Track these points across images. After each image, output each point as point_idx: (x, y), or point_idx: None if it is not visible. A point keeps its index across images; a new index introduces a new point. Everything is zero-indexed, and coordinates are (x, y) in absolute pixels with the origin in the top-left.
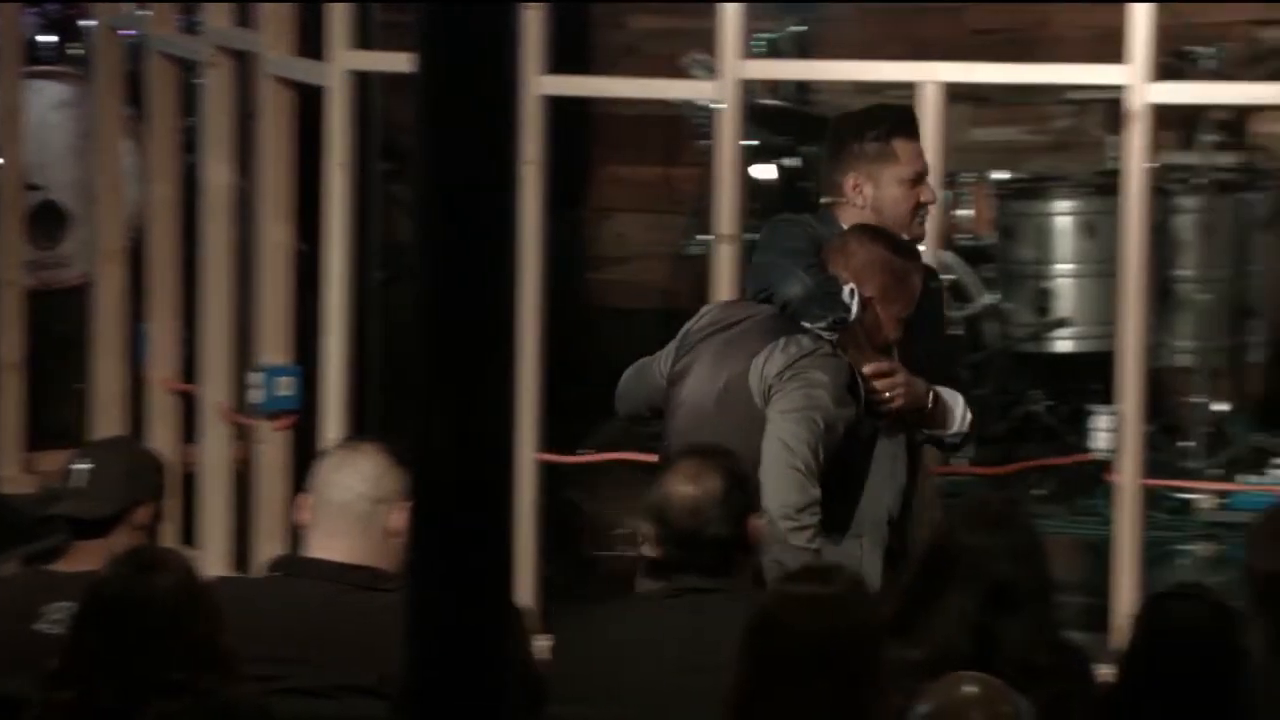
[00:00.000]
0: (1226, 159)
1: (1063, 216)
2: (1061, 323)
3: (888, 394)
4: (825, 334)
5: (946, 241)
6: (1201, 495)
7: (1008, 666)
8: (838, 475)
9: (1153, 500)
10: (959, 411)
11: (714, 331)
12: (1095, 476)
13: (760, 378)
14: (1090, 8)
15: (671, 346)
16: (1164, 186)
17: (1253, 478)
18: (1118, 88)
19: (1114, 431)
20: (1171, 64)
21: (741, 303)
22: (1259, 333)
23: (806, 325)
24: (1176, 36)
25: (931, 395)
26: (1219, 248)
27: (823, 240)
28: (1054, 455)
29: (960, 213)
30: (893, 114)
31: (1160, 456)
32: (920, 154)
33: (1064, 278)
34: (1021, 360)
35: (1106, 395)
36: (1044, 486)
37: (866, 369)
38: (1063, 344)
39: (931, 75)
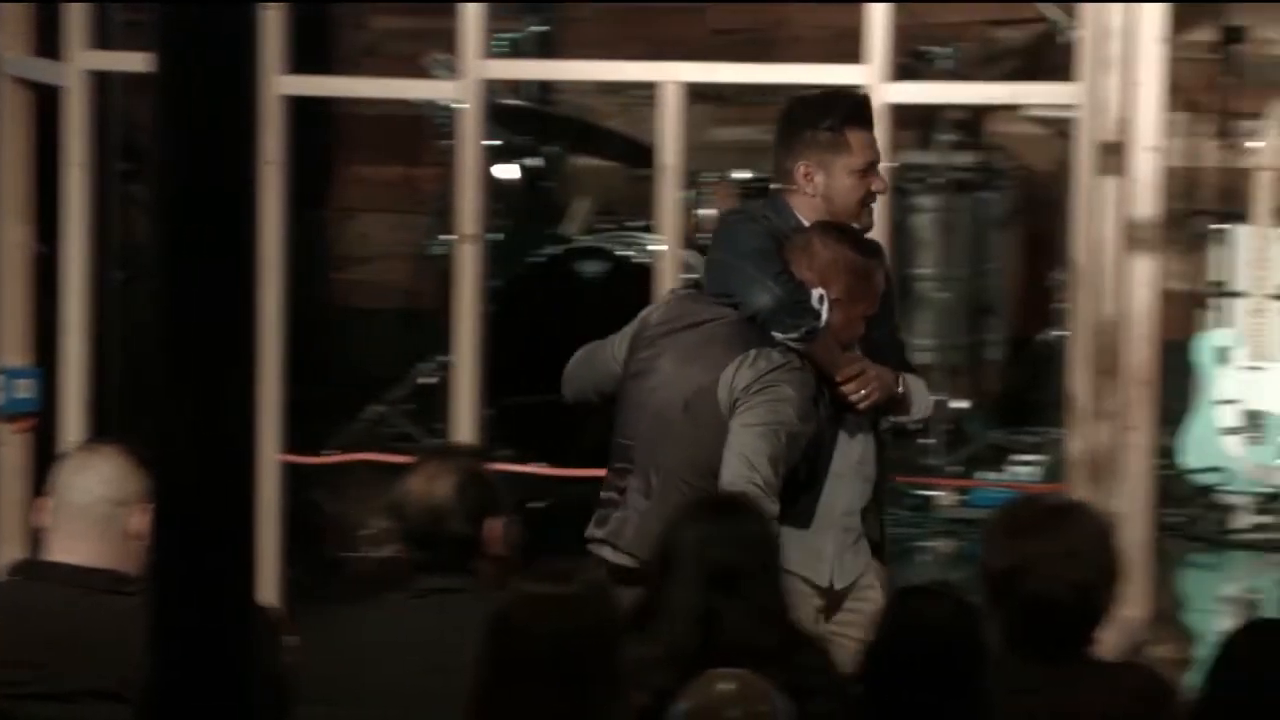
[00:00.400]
0: (964, 158)
1: None
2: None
3: (859, 395)
4: (796, 344)
5: (688, 240)
6: (941, 492)
7: (731, 650)
8: (803, 467)
9: (894, 497)
10: (921, 397)
11: (677, 329)
12: None
13: (729, 390)
14: (828, 8)
15: (626, 334)
16: (902, 186)
17: (991, 474)
18: (857, 87)
19: None
20: (909, 64)
21: (702, 299)
22: (997, 331)
23: (777, 336)
24: (913, 37)
25: (901, 381)
26: (957, 247)
27: (779, 231)
28: None
29: (702, 212)
30: (847, 103)
31: (901, 454)
32: (873, 143)
33: None
34: None
35: None
36: None
37: (839, 376)
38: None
39: (672, 75)
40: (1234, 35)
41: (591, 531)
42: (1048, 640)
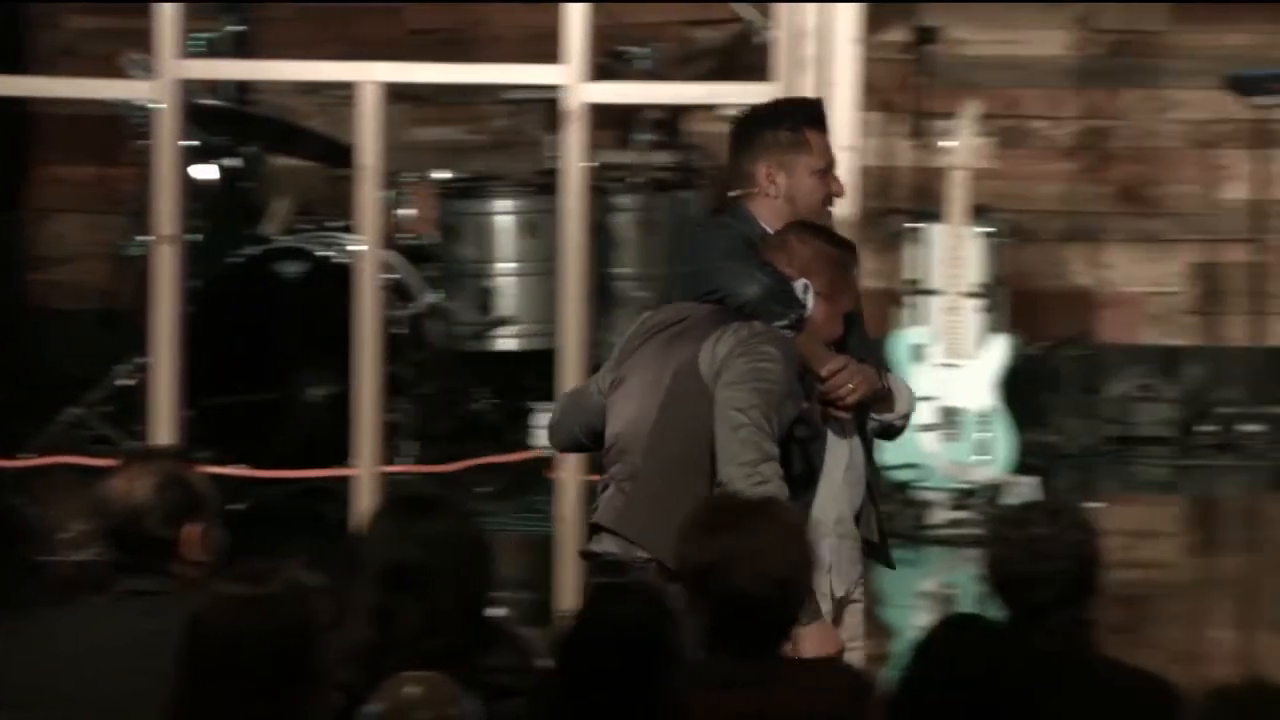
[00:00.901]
0: (662, 158)
1: (503, 216)
2: (504, 321)
3: (847, 389)
4: (785, 331)
5: (389, 241)
6: None
7: (405, 650)
8: (799, 460)
9: (594, 495)
10: (905, 393)
11: (652, 334)
12: (538, 473)
13: (711, 358)
14: (527, 8)
15: (608, 364)
16: (602, 185)
17: None
18: (555, 88)
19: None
20: (607, 64)
21: (679, 305)
22: None
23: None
24: (611, 37)
25: (884, 377)
26: (656, 245)
27: (746, 237)
28: (498, 453)
29: (402, 212)
30: (804, 105)
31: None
32: (830, 146)
33: (506, 276)
34: (465, 359)
35: (549, 392)
36: (489, 484)
37: (823, 370)
38: (505, 342)
39: (370, 75)
40: (926, 36)
41: (588, 546)
42: (747, 637)
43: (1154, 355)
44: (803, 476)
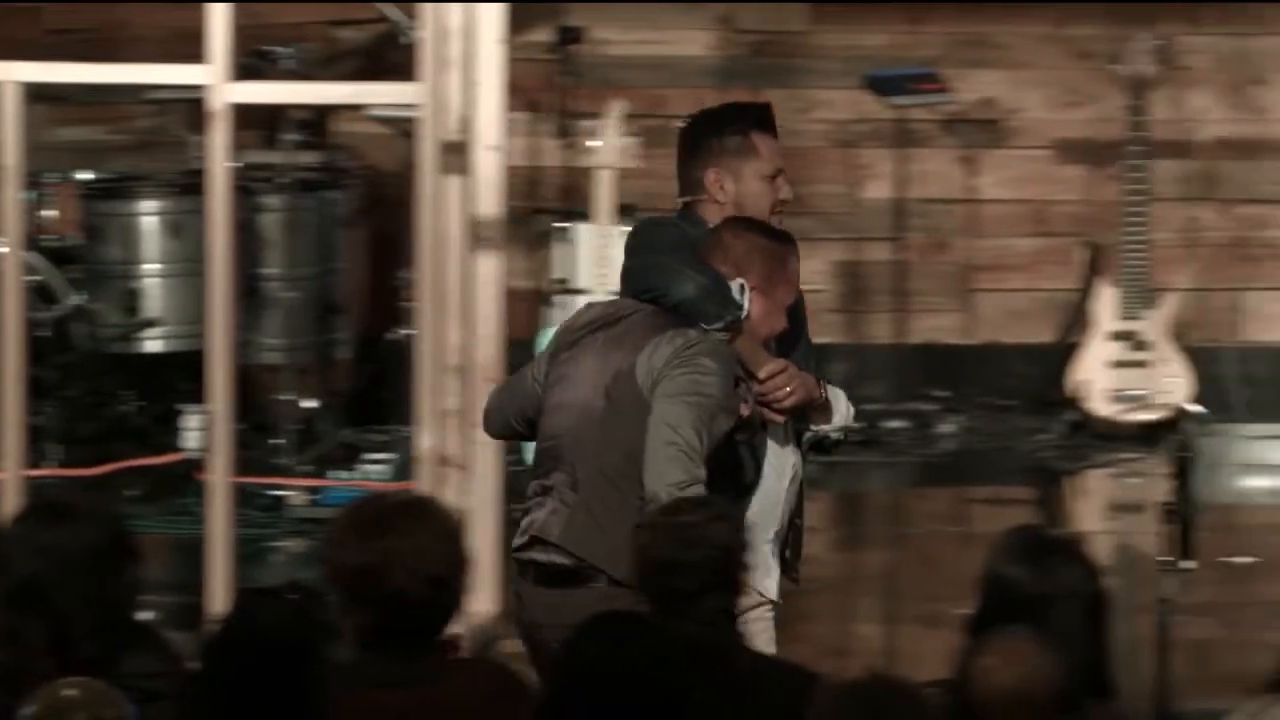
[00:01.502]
0: (308, 158)
1: (148, 216)
2: (150, 323)
3: (783, 391)
4: (720, 334)
5: (31, 242)
6: (293, 492)
7: (35, 660)
8: (749, 463)
9: (245, 498)
10: (842, 405)
11: (593, 330)
12: (187, 476)
13: (648, 370)
14: (169, 9)
15: (545, 353)
16: (248, 185)
17: (343, 473)
18: (198, 87)
19: (204, 430)
20: (251, 64)
21: (619, 301)
22: (345, 330)
23: (704, 326)
24: (255, 37)
25: (823, 388)
26: (304, 246)
27: (693, 240)
28: (146, 456)
29: (44, 213)
30: (751, 110)
31: (252, 454)
32: (778, 151)
33: (152, 278)
34: (111, 361)
35: (197, 394)
36: (137, 487)
37: (761, 372)
38: (152, 344)
39: (8, 75)
40: (570, 36)
41: (516, 540)
42: (402, 636)
43: None
44: (757, 475)
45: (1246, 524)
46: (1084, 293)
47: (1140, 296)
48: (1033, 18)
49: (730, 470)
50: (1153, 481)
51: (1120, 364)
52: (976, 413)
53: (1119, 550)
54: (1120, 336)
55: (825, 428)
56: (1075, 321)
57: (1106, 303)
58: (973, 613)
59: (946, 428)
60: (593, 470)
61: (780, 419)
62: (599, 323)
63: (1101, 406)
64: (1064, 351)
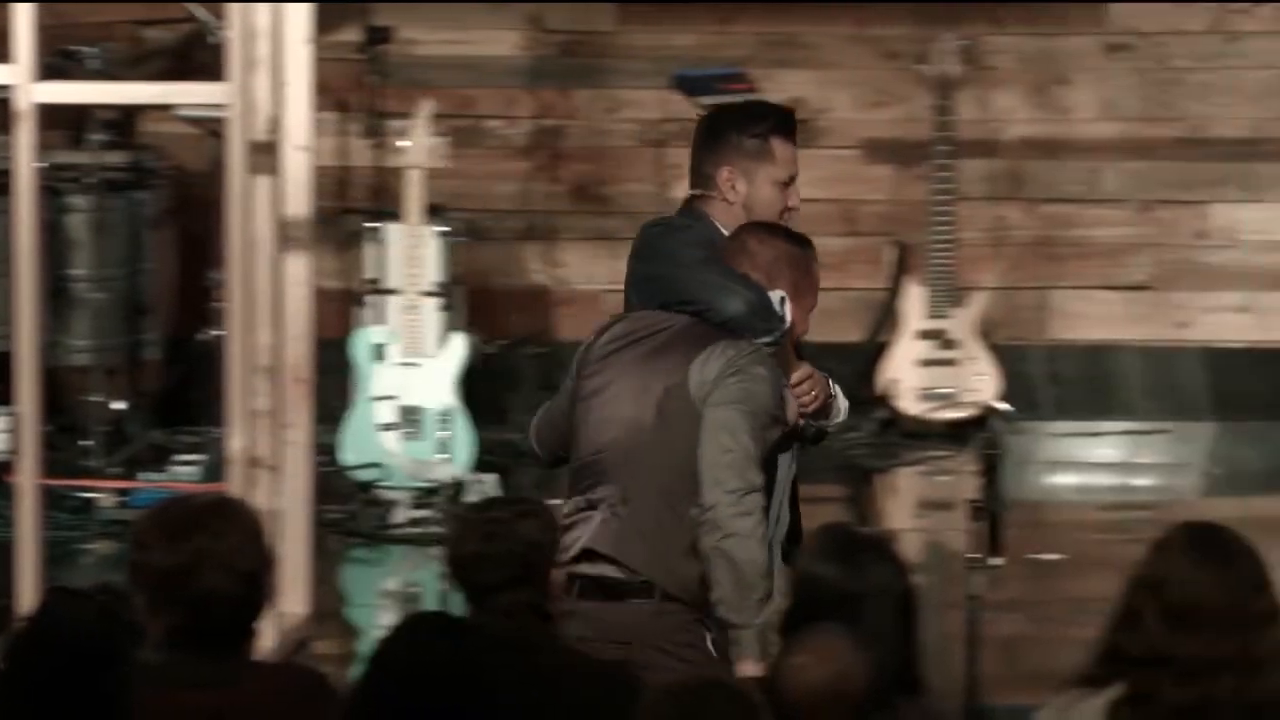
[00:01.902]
0: (116, 158)
1: None
2: None
3: (810, 396)
4: (771, 348)
5: None
6: (102, 493)
7: None
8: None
9: (54, 500)
10: (842, 402)
11: (625, 345)
12: None
13: (699, 382)
14: None
15: (569, 376)
16: (54, 186)
17: (153, 475)
18: (4, 87)
19: (11, 432)
20: (57, 64)
21: (650, 314)
22: (155, 330)
23: (752, 341)
24: (62, 36)
25: (830, 385)
26: (112, 246)
27: (705, 239)
28: None
29: None
30: (774, 113)
31: (60, 456)
32: (795, 157)
33: None
34: None
35: (4, 396)
36: None
37: (793, 378)
38: None
39: None
40: (379, 35)
41: (562, 557)
42: (211, 637)
43: None
44: (768, 489)
45: (1054, 521)
46: (893, 292)
47: (948, 295)
48: (839, 18)
49: (767, 475)
50: (961, 479)
51: (929, 362)
52: None
53: (928, 547)
54: (928, 335)
55: (824, 422)
56: (884, 320)
57: (915, 302)
58: (783, 611)
59: None
60: (645, 484)
61: (803, 422)
62: (634, 336)
63: (910, 405)
64: (873, 350)
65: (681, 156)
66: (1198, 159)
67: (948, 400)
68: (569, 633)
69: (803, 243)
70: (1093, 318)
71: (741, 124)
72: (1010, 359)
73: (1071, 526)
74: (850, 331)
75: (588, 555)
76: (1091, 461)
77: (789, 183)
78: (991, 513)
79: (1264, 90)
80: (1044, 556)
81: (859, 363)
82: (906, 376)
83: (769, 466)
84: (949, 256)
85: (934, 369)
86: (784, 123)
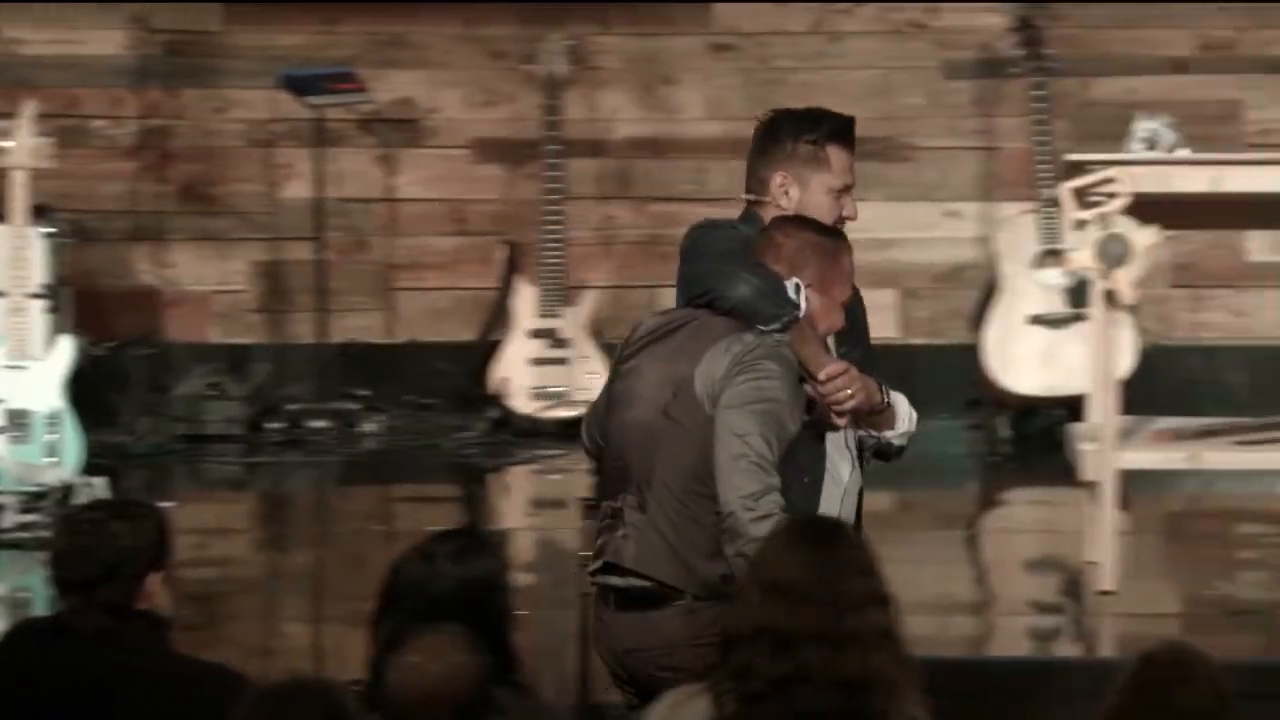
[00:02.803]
0: None
1: None
2: None
3: (844, 394)
4: (777, 335)
5: None
6: None
7: None
8: (795, 486)
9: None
10: (905, 410)
11: (650, 341)
12: None
13: (707, 381)
14: None
15: (610, 372)
16: None
17: None
18: None
19: None
20: None
21: (677, 310)
22: None
23: (760, 328)
24: None
25: (885, 393)
26: None
27: (750, 240)
28: None
29: None
30: (832, 120)
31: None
32: (851, 166)
33: None
34: None
35: None
36: None
37: (823, 374)
38: None
39: None
40: None
41: (591, 565)
42: None
43: (222, 353)
44: (812, 482)
45: None
46: (504, 291)
47: (559, 294)
48: (446, 18)
49: (796, 472)
50: (574, 477)
51: (540, 361)
52: (399, 411)
53: (541, 546)
54: (540, 334)
55: (888, 434)
56: (496, 320)
57: (526, 301)
58: (385, 610)
59: (369, 427)
60: (659, 489)
61: (841, 423)
62: (656, 333)
63: (522, 404)
64: (485, 349)
65: (291, 156)
66: None
67: (559, 399)
68: (610, 646)
69: (833, 235)
70: None
71: (798, 130)
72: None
73: None
74: (462, 331)
75: (614, 568)
76: None
77: (844, 191)
78: None
79: (865, 90)
80: None
81: (471, 362)
82: (518, 375)
83: (800, 459)
84: (559, 256)
85: (545, 368)
86: (842, 130)
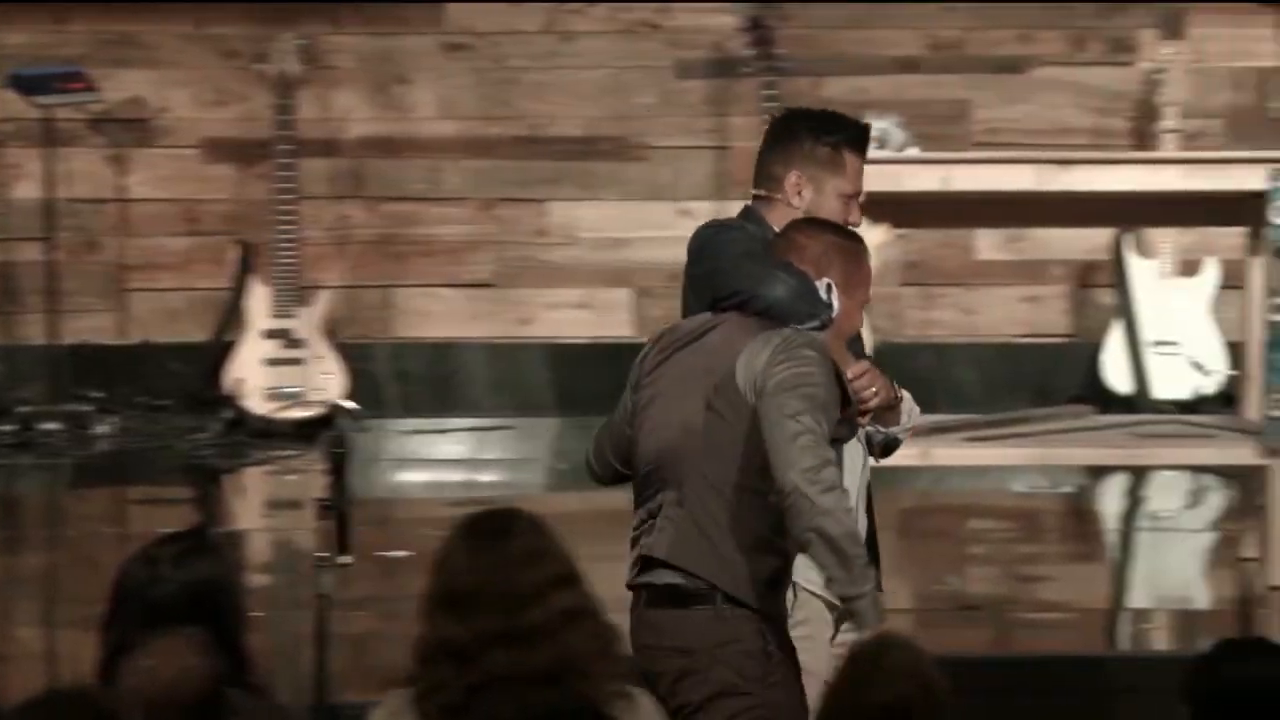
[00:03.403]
0: None
1: None
2: None
3: (870, 392)
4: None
5: None
6: None
7: None
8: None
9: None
10: (908, 405)
11: (674, 350)
12: None
13: (748, 374)
14: None
15: (629, 387)
16: None
17: None
18: None
19: None
20: None
21: (698, 316)
22: None
23: (796, 327)
24: None
25: (895, 388)
26: None
27: (759, 239)
28: None
29: None
30: (851, 125)
31: None
32: (862, 172)
33: None
34: None
35: None
36: None
37: (850, 371)
38: None
39: None
40: None
41: (629, 572)
42: None
43: None
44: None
45: (402, 518)
46: (237, 291)
47: (293, 294)
48: (177, 17)
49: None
50: (309, 478)
51: (275, 361)
52: (132, 413)
53: (277, 547)
54: (274, 334)
55: (895, 429)
56: (230, 320)
57: (260, 301)
58: (112, 614)
59: (102, 428)
60: (698, 482)
61: (864, 421)
62: (682, 340)
63: (257, 404)
64: (219, 350)
65: (20, 156)
66: (536, 157)
67: (294, 399)
68: (636, 641)
69: (853, 237)
70: (437, 315)
71: (817, 130)
72: (356, 357)
73: (419, 523)
74: (195, 331)
75: (649, 563)
76: (438, 458)
77: (853, 197)
78: (339, 511)
79: (598, 89)
80: (392, 554)
81: (205, 362)
82: (252, 376)
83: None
84: (293, 256)
85: (280, 368)
86: (859, 136)
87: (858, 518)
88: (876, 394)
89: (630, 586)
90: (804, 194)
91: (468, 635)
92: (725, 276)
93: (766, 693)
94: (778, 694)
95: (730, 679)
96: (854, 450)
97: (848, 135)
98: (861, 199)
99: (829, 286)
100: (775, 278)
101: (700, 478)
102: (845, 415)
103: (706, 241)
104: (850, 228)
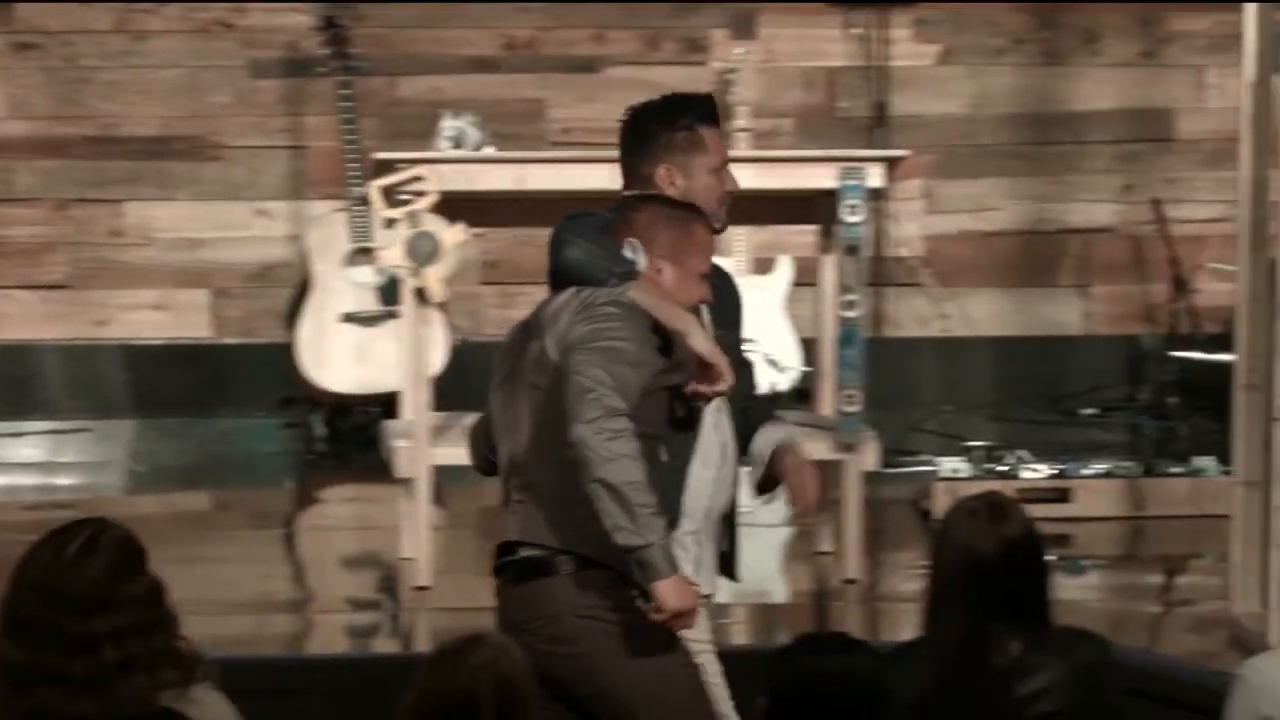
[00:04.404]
0: None
1: None
2: None
3: (722, 381)
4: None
5: None
6: None
7: None
8: (658, 467)
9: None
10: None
11: (514, 337)
12: None
13: (557, 341)
14: None
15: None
16: None
17: None
18: None
19: None
20: None
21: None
22: None
23: (598, 289)
24: None
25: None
26: None
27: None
28: None
29: None
30: (696, 102)
31: None
32: (721, 139)
33: None
34: None
35: None
36: None
37: (706, 355)
38: None
39: None
40: None
41: (494, 562)
42: None
43: None
44: (678, 466)
45: None
46: None
47: None
48: None
49: (664, 451)
50: None
51: None
52: None
53: None
54: None
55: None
56: None
57: None
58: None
59: None
60: (534, 458)
61: (703, 404)
62: (517, 329)
63: None
64: None
65: None
66: (110, 157)
67: None
68: (505, 618)
69: (682, 207)
70: (11, 317)
71: (667, 120)
72: None
73: None
74: None
75: (508, 547)
76: (13, 462)
77: (722, 166)
78: None
79: (171, 89)
80: None
81: None
82: None
83: (671, 442)
84: None
85: None
86: (709, 110)
87: (724, 491)
88: (725, 380)
89: (494, 572)
90: (677, 182)
91: (24, 660)
92: (550, 256)
93: (635, 619)
94: (646, 623)
95: (606, 634)
96: (714, 435)
97: (697, 113)
98: (729, 164)
99: (634, 246)
100: (571, 242)
101: (538, 454)
102: (678, 380)
103: (554, 232)
104: (722, 201)
